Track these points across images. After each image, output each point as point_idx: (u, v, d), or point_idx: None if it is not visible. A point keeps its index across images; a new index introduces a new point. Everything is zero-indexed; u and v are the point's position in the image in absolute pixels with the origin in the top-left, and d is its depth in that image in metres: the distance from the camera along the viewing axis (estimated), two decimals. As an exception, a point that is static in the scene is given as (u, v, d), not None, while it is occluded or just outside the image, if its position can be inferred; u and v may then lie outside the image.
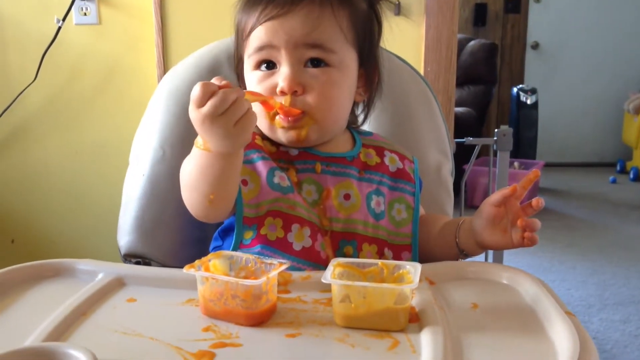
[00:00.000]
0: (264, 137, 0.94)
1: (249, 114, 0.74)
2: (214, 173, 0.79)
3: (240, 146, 0.78)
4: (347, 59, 0.91)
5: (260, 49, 0.88)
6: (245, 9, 0.91)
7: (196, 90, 0.72)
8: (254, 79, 0.91)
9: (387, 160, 0.99)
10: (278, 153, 0.93)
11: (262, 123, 0.91)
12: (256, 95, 0.83)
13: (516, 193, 0.82)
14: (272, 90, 0.88)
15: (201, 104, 0.72)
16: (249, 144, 0.91)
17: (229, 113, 0.72)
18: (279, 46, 0.87)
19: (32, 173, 2.03)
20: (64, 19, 1.89)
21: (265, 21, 0.87)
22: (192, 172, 0.82)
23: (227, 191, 0.83)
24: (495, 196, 0.84)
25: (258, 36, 0.88)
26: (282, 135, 0.91)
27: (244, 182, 0.88)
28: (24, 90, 1.92)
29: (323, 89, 0.88)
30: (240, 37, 0.94)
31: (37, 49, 1.90)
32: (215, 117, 0.72)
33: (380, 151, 1.00)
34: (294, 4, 0.86)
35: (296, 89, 0.87)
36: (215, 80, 0.73)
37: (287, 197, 0.88)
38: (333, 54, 0.88)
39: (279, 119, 0.89)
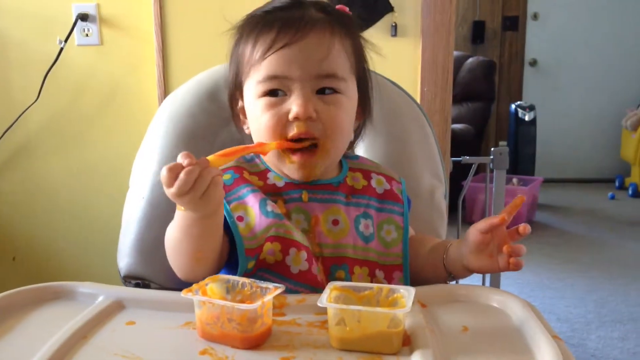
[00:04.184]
0: (251, 172, 0.96)
1: (214, 183, 0.77)
2: (197, 232, 0.83)
3: (213, 210, 0.81)
4: (352, 86, 0.93)
5: (272, 78, 0.89)
6: (251, 37, 0.92)
7: (163, 173, 0.75)
8: (260, 106, 0.91)
9: (373, 183, 1.00)
10: (265, 187, 0.94)
11: (272, 158, 0.93)
12: (229, 155, 0.82)
13: (504, 222, 0.83)
14: (284, 116, 0.89)
15: (169, 185, 0.75)
16: (238, 179, 0.94)
17: (194, 190, 0.75)
18: (293, 77, 0.88)
19: (34, 191, 2.05)
20: (66, 40, 1.91)
21: (279, 49, 0.88)
22: (176, 235, 0.85)
23: (211, 248, 0.86)
24: (482, 224, 0.85)
25: (270, 65, 0.89)
26: (291, 172, 0.93)
27: (240, 219, 0.90)
28: (26, 109, 1.94)
29: (335, 116, 0.90)
30: (247, 65, 0.93)
31: (39, 69, 1.93)
32: (182, 195, 0.75)
33: (367, 174, 1.01)
34: (306, 31, 0.88)
35: (311, 115, 0.88)
36: (180, 158, 0.76)
37: (283, 222, 0.90)
38: (343, 82, 0.91)
39: (292, 156, 0.90)
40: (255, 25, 0.92)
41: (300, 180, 0.94)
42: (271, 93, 0.90)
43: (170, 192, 0.76)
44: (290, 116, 0.88)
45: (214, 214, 0.82)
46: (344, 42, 0.92)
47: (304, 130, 0.88)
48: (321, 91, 0.90)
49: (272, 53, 0.88)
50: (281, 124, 0.89)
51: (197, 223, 0.81)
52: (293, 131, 0.88)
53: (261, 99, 0.91)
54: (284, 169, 0.93)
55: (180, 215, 0.82)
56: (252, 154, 0.98)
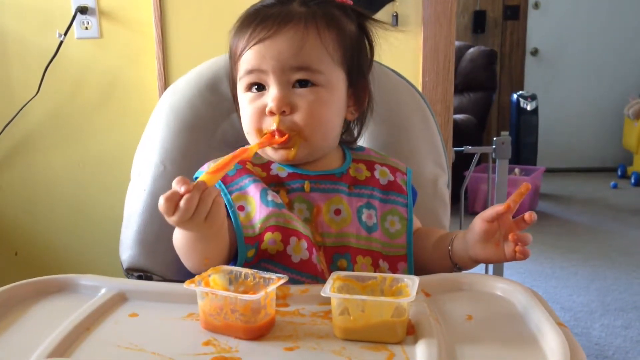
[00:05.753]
0: (255, 164, 0.97)
1: (216, 203, 0.77)
2: (202, 246, 0.84)
3: (218, 228, 0.81)
4: (334, 79, 0.93)
5: (250, 72, 0.92)
6: (237, 33, 0.95)
7: (161, 203, 0.74)
8: (245, 100, 0.95)
9: (377, 174, 1.00)
10: (268, 177, 0.95)
11: (254, 142, 0.94)
12: (221, 169, 0.81)
13: (510, 210, 0.83)
14: (262, 110, 0.92)
15: (169, 214, 0.74)
16: (240, 170, 0.95)
17: (196, 215, 0.75)
18: (267, 70, 0.90)
19: (35, 186, 2.05)
20: (65, 33, 1.90)
21: (253, 44, 0.91)
22: (183, 244, 0.87)
23: (218, 252, 0.86)
24: (488, 212, 0.85)
25: (247, 60, 0.92)
26: (272, 154, 0.95)
27: (240, 208, 0.91)
28: (27, 104, 1.94)
29: (311, 108, 0.91)
30: (233, 60, 0.97)
31: (39, 63, 1.92)
32: (185, 222, 0.75)
33: (370, 165, 1.01)
34: (280, 26, 0.90)
35: (284, 109, 0.90)
36: (176, 185, 0.74)
37: (282, 212, 0.90)
38: (320, 75, 0.91)
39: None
40: (241, 23, 0.95)
41: (283, 163, 0.96)
42: (252, 87, 0.93)
43: (172, 220, 0.75)
44: (267, 110, 0.91)
45: (218, 231, 0.83)
46: (324, 34, 0.92)
47: (277, 127, 0.90)
48: (302, 85, 0.91)
49: (248, 49, 0.91)
50: (260, 117, 0.92)
51: (201, 239, 0.83)
52: (269, 125, 0.91)
53: (246, 93, 0.95)
54: (267, 151, 0.95)
55: (183, 232, 0.83)
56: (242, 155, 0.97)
